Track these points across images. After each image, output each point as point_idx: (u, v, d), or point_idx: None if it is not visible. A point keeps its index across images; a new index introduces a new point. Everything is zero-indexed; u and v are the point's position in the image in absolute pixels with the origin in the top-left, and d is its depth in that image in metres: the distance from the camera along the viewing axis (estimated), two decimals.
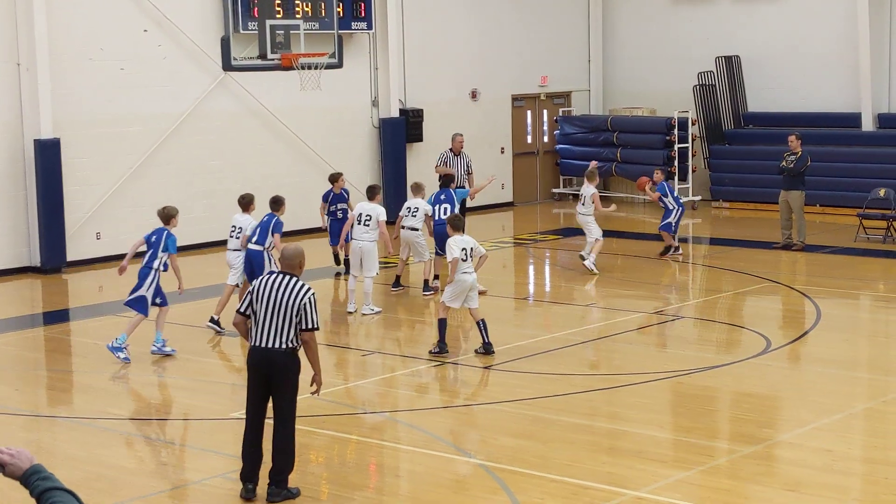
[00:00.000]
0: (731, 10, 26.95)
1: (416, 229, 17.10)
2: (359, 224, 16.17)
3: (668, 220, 20.01)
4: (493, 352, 13.69)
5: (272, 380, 9.24)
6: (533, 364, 13.51)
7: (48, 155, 19.68)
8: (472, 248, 13.71)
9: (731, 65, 26.66)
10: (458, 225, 13.90)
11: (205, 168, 21.91)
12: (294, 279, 9.28)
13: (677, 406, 12.22)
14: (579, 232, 23.73)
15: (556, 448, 10.61)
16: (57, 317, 16.96)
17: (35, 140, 19.61)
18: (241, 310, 9.42)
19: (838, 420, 11.33)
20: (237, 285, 15.22)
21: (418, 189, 17.47)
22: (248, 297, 9.38)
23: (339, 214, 18.25)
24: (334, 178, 18.61)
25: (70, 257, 20.11)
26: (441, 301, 13.95)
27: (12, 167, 19.76)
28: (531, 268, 20.90)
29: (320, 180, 21.62)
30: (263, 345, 9.21)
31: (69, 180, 20.07)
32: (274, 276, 9.37)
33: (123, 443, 11.34)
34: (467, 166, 20.78)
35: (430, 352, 13.91)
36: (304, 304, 9.17)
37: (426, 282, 17.37)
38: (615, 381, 12.88)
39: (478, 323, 13.73)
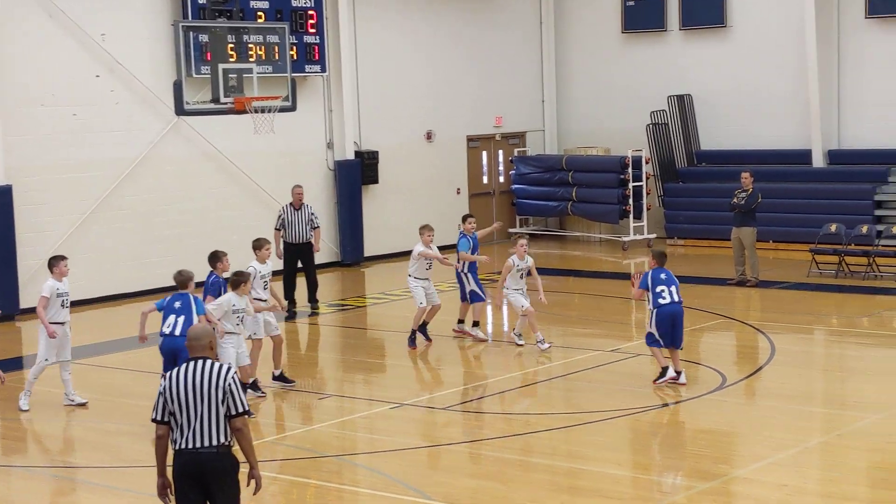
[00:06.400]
0: (683, 49, 27.25)
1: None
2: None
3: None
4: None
5: (208, 488, 7.93)
6: (492, 404, 13.52)
7: (0, 202, 19.54)
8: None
9: (683, 103, 26.95)
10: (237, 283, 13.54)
11: (159, 213, 21.83)
12: (209, 362, 8.05)
13: (635, 443, 12.27)
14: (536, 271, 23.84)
15: (516, 488, 10.61)
16: (11, 365, 16.74)
17: None
18: (160, 417, 8.00)
19: (793, 454, 11.41)
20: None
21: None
22: (160, 399, 8.02)
23: None
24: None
25: (24, 304, 19.88)
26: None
27: None
28: (489, 308, 20.91)
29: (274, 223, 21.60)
30: (192, 446, 7.90)
31: (22, 227, 19.93)
32: (185, 366, 8.05)
33: (80, 491, 11.22)
34: (311, 221, 19.69)
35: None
36: (229, 386, 7.96)
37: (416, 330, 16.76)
38: (573, 419, 12.90)
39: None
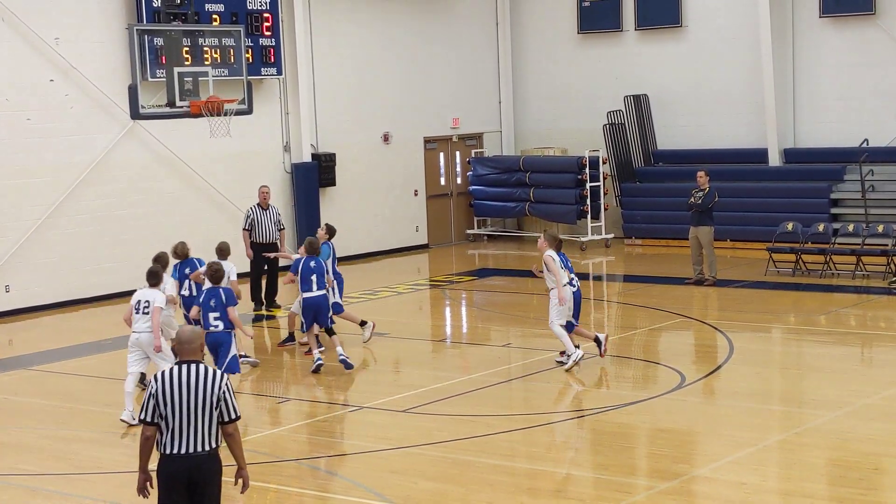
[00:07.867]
0: (639, 49, 27.36)
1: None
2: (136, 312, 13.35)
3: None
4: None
5: (195, 490, 8.00)
6: (451, 406, 13.50)
7: None
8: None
9: (639, 103, 27.05)
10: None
11: (115, 217, 21.64)
12: (202, 367, 8.03)
13: (595, 444, 12.29)
14: (495, 272, 23.89)
15: (476, 490, 10.59)
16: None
17: None
18: (149, 418, 7.96)
19: (752, 453, 11.46)
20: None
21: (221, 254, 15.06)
22: (151, 400, 7.96)
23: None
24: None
25: None
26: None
27: None
28: (448, 309, 20.92)
29: (232, 227, 21.53)
30: (184, 451, 7.93)
31: None
32: (177, 369, 7.99)
33: (35, 499, 11.10)
34: (277, 221, 19.54)
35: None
36: (224, 393, 7.99)
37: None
38: (533, 420, 12.91)
39: None
